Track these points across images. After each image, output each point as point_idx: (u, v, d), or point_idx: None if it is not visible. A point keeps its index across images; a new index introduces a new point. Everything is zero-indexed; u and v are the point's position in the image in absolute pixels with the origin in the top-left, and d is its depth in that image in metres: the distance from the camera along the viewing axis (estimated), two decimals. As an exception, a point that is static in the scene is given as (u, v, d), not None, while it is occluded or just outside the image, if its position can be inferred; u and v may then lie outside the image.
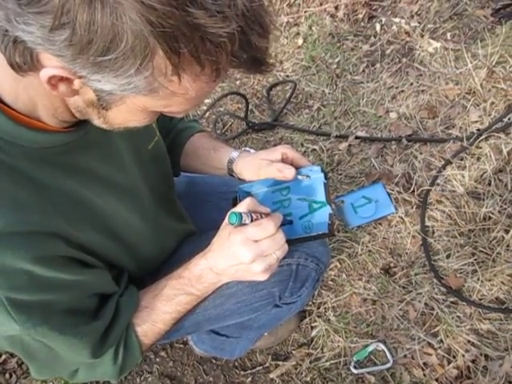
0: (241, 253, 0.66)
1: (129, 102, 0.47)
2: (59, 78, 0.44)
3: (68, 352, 0.67)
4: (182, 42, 0.39)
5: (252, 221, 0.66)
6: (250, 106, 1.81)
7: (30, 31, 0.39)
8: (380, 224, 1.39)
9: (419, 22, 1.76)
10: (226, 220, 0.68)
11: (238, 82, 1.97)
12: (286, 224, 0.77)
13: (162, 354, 1.34)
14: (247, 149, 0.89)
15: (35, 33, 0.39)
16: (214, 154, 0.91)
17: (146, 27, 0.37)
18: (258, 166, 0.80)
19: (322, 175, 0.78)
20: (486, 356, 1.13)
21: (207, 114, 1.88)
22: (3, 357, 1.38)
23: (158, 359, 1.33)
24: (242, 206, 0.68)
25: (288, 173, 0.75)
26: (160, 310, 0.74)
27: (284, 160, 0.79)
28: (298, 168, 0.78)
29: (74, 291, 0.63)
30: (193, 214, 0.98)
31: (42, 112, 0.53)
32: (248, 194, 0.82)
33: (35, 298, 0.57)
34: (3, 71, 0.47)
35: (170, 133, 0.95)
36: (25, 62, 0.44)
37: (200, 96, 0.48)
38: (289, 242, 0.71)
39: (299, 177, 0.77)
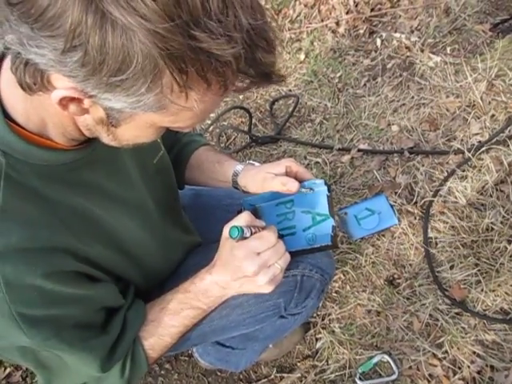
0: (245, 266, 0.67)
1: (138, 118, 0.48)
2: (70, 98, 0.45)
3: (77, 365, 0.68)
4: (189, 62, 0.40)
5: (251, 234, 0.67)
6: (254, 120, 1.83)
7: (42, 54, 0.40)
8: (383, 235, 1.40)
9: (419, 37, 1.79)
10: (226, 234, 0.68)
11: (241, 97, 1.99)
12: (288, 235, 0.78)
13: (167, 366, 1.34)
14: (251, 162, 0.90)
15: (47, 55, 0.40)
16: (218, 167, 0.92)
17: (154, 49, 0.38)
18: (262, 179, 0.81)
19: (326, 188, 0.79)
20: (492, 367, 1.13)
21: (211, 127, 1.90)
22: (8, 370, 1.37)
23: (162, 371, 1.33)
24: (241, 220, 0.69)
25: (292, 186, 0.76)
26: (167, 323, 0.75)
27: (288, 173, 0.80)
28: (301, 181, 0.79)
29: (82, 305, 0.64)
30: (198, 225, 0.99)
31: (51, 131, 0.55)
32: (252, 207, 0.84)
33: (45, 313, 0.59)
34: (16, 93, 0.49)
35: (175, 146, 0.97)
36: (35, 83, 0.45)
37: (207, 110, 0.49)
38: (293, 253, 0.72)
39: (303, 190, 0.78)
